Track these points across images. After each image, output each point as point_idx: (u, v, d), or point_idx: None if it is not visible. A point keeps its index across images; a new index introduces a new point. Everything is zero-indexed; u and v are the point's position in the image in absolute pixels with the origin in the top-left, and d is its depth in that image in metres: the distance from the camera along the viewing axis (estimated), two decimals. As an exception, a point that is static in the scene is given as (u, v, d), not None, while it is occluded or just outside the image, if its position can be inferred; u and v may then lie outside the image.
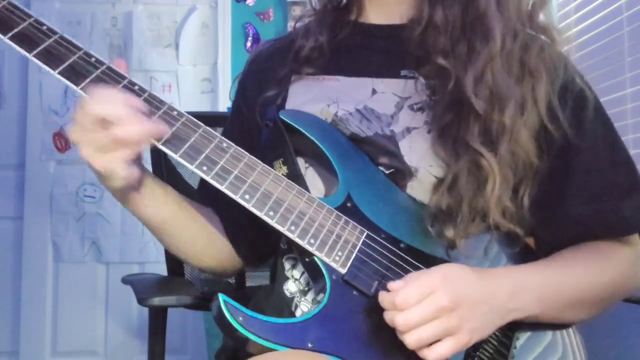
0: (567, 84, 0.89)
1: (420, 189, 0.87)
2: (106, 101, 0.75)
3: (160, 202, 0.90)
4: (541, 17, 0.90)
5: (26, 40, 0.79)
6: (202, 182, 1.07)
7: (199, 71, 2.80)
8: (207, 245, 0.99)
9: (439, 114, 0.87)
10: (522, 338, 0.86)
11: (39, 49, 0.79)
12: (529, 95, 0.85)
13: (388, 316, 0.74)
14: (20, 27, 0.80)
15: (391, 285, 0.74)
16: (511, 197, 0.85)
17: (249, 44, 2.80)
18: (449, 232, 0.82)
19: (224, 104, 2.73)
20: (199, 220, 0.97)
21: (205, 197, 1.02)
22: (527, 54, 0.87)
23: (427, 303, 0.72)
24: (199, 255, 1.00)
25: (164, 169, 1.48)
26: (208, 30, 2.81)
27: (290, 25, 2.76)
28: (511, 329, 0.84)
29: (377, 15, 0.99)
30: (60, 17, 2.70)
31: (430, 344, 0.73)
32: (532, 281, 0.82)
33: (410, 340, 0.72)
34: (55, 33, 0.81)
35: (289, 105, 0.96)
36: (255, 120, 1.00)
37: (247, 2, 2.82)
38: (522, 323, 0.84)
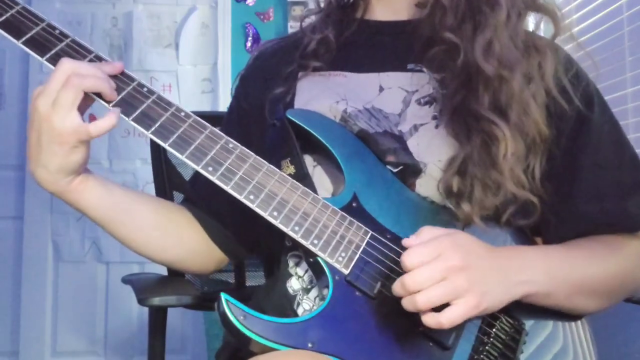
0: (570, 68, 0.91)
1: (429, 185, 0.87)
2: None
3: (108, 190, 0.91)
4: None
5: (39, 44, 0.83)
6: (193, 178, 1.09)
7: (199, 71, 2.80)
8: (163, 234, 0.98)
9: (449, 96, 0.88)
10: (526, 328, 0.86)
11: (51, 53, 0.83)
12: (535, 68, 0.87)
13: (397, 282, 0.73)
14: (34, 31, 0.83)
15: (405, 241, 0.76)
16: (524, 169, 0.86)
17: (249, 44, 2.80)
18: (466, 207, 0.82)
19: (224, 104, 2.73)
20: (149, 207, 0.97)
21: (193, 194, 1.04)
22: (531, 35, 0.90)
23: (436, 263, 0.72)
24: (154, 245, 0.98)
25: (164, 168, 1.48)
26: (208, 30, 2.81)
27: (291, 25, 2.77)
28: (517, 331, 0.83)
29: (384, 12, 1.00)
30: (60, 17, 2.70)
31: (441, 309, 0.72)
32: (542, 258, 0.83)
33: (420, 301, 0.71)
34: (67, 37, 0.85)
35: (298, 102, 0.97)
36: (256, 116, 1.01)
37: (247, 2, 2.82)
38: (532, 309, 0.84)
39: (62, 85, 0.79)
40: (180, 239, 1.01)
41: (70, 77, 0.79)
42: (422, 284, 0.71)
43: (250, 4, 2.82)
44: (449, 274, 0.72)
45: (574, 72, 0.91)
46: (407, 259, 0.73)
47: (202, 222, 1.03)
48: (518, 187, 0.84)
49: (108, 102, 0.82)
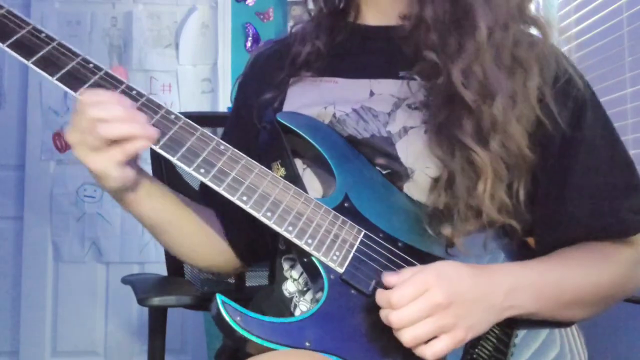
0: (560, 76, 0.89)
1: (416, 189, 0.87)
2: (100, 102, 0.77)
3: (156, 203, 0.91)
4: (531, 9, 0.90)
5: (24, 47, 0.81)
6: (203, 183, 1.08)
7: (199, 71, 2.80)
8: (203, 244, 1.00)
9: (433, 113, 0.87)
10: (520, 334, 0.86)
11: (37, 56, 0.81)
12: (520, 87, 0.85)
13: (383, 314, 0.74)
14: (19, 34, 0.82)
15: (386, 278, 0.75)
16: (506, 192, 0.85)
17: (249, 44, 2.80)
18: (447, 231, 0.82)
19: (224, 104, 2.73)
20: (195, 220, 0.98)
21: (205, 198, 1.03)
22: (518, 48, 0.87)
23: (422, 301, 0.72)
24: (195, 253, 1.01)
25: (163, 169, 1.49)
26: (208, 30, 2.81)
27: (290, 25, 2.76)
28: (510, 326, 0.84)
29: (374, 17, 0.99)
30: (60, 17, 2.71)
31: (427, 342, 0.73)
32: (529, 279, 0.82)
33: (406, 337, 0.72)
34: (53, 40, 0.83)
35: (287, 107, 0.97)
36: (253, 121, 1.01)
37: (247, 2, 2.83)
38: (520, 320, 0.84)
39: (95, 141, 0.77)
40: (213, 249, 1.02)
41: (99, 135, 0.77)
42: (408, 323, 0.72)
43: (250, 4, 2.83)
44: (435, 312, 0.73)
45: (565, 79, 0.89)
46: (394, 297, 0.73)
47: (225, 230, 1.03)
48: (500, 213, 0.83)
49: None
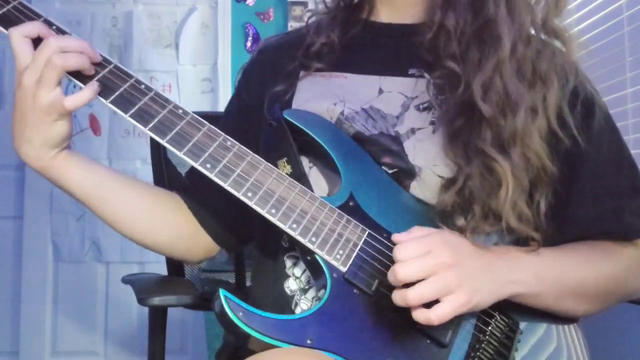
0: (579, 90, 0.89)
1: (423, 188, 0.87)
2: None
3: (91, 166, 0.92)
4: (555, 22, 0.89)
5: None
6: (190, 170, 1.09)
7: (199, 71, 2.80)
8: (150, 216, 0.98)
9: (449, 118, 0.87)
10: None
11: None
12: (540, 100, 0.85)
13: (390, 272, 0.74)
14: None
15: (396, 236, 0.76)
16: (527, 203, 0.84)
17: (249, 44, 2.81)
18: (459, 221, 0.82)
19: (224, 104, 2.71)
20: (137, 188, 0.97)
21: (192, 185, 1.04)
22: (539, 60, 0.86)
23: (427, 257, 0.73)
24: (141, 227, 0.98)
25: (164, 168, 1.49)
26: (208, 30, 2.81)
27: (291, 25, 2.77)
28: (513, 329, 0.84)
29: (388, 15, 1.00)
30: (60, 17, 2.70)
31: (430, 306, 0.73)
32: (532, 259, 0.83)
33: (412, 295, 0.72)
34: (64, 33, 0.85)
35: (296, 101, 0.97)
36: (254, 110, 1.01)
37: (247, 2, 2.83)
38: (523, 310, 0.84)
39: (45, 65, 0.80)
40: (167, 222, 1.00)
41: (52, 57, 0.80)
42: (413, 276, 0.72)
43: (250, 4, 2.83)
44: (439, 270, 0.73)
45: (574, 86, 0.88)
46: (399, 251, 0.73)
47: (195, 212, 1.03)
48: (520, 222, 0.83)
49: (87, 76, 0.83)
